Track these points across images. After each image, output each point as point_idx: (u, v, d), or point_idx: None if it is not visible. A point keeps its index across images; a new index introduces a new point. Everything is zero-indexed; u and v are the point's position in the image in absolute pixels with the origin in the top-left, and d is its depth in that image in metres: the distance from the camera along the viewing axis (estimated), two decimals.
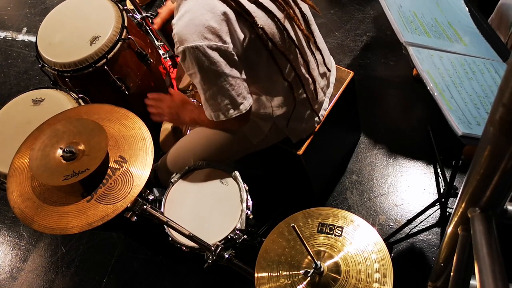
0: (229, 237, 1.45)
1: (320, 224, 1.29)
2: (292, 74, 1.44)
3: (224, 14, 1.20)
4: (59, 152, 1.31)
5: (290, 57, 1.41)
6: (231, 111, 1.34)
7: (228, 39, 1.22)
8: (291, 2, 1.40)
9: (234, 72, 1.28)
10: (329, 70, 1.68)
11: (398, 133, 2.29)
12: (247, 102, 1.36)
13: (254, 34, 1.28)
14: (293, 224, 1.12)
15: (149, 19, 2.24)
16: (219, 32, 1.21)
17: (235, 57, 1.26)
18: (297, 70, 1.45)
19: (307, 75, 1.51)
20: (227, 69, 1.25)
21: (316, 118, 1.67)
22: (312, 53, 1.52)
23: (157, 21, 1.71)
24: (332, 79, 1.73)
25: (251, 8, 1.26)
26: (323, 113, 1.70)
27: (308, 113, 1.61)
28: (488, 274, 0.62)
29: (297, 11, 1.43)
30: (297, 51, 1.43)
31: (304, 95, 1.53)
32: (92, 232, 2.33)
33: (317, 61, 1.57)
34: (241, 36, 1.25)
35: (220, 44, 1.21)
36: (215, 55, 1.22)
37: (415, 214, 1.97)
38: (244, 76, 1.33)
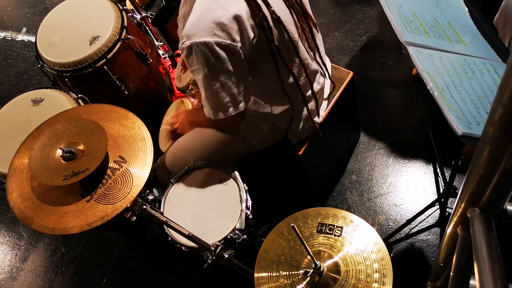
0: (229, 237, 1.45)
1: (319, 224, 1.29)
2: (291, 79, 1.44)
3: (237, 12, 1.19)
4: (59, 152, 1.31)
5: (291, 63, 1.41)
6: (231, 109, 1.34)
7: (237, 37, 1.21)
8: (301, 13, 1.41)
9: (238, 71, 1.28)
10: (328, 72, 1.69)
11: (398, 133, 2.29)
12: (246, 100, 1.36)
13: (263, 34, 1.27)
14: (292, 224, 1.12)
15: (149, 19, 2.24)
16: (230, 30, 1.19)
17: (242, 56, 1.25)
18: (296, 74, 1.45)
19: (305, 80, 1.51)
20: (232, 67, 1.25)
21: (315, 119, 1.67)
22: (314, 59, 1.53)
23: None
24: (328, 81, 1.74)
25: (272, 24, 1.27)
26: (321, 113, 1.70)
27: (307, 115, 1.61)
28: (487, 274, 0.62)
29: (306, 24, 1.44)
30: (299, 58, 1.43)
31: (302, 98, 1.53)
32: (91, 232, 2.33)
33: (320, 68, 1.58)
34: (251, 35, 1.24)
35: (229, 42, 1.20)
36: (222, 52, 1.21)
37: (414, 214, 1.97)
38: (247, 75, 1.33)
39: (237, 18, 1.19)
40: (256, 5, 1.22)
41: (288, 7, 1.35)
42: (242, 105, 1.35)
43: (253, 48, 1.26)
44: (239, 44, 1.22)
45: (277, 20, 1.28)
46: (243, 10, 1.20)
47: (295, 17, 1.37)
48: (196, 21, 1.19)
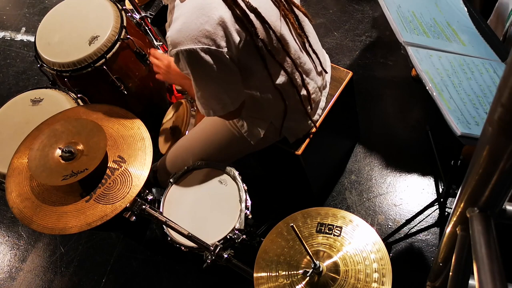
0: (228, 237, 1.45)
1: (319, 224, 1.29)
2: (284, 76, 1.44)
3: (220, 17, 1.19)
4: (58, 152, 1.31)
5: (282, 60, 1.41)
6: (219, 111, 1.38)
7: (223, 43, 1.21)
8: (284, 2, 1.40)
9: (227, 75, 1.29)
10: (325, 71, 1.67)
11: (397, 133, 2.29)
12: (235, 102, 1.38)
13: (249, 37, 1.27)
14: (292, 224, 1.12)
15: (148, 19, 2.23)
16: (214, 36, 1.20)
17: (229, 60, 1.25)
18: (288, 71, 1.45)
19: (299, 77, 1.50)
20: (220, 72, 1.25)
21: (313, 117, 1.67)
22: (308, 54, 1.52)
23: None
24: (328, 78, 1.73)
25: (253, 18, 1.26)
26: (320, 112, 1.70)
27: (303, 113, 1.61)
28: (486, 274, 0.62)
29: (290, 12, 1.42)
30: (288, 54, 1.42)
31: (298, 96, 1.53)
32: (91, 232, 2.32)
33: (314, 62, 1.56)
34: (237, 39, 1.24)
35: (214, 48, 1.20)
36: (208, 58, 1.22)
37: (414, 214, 1.97)
38: (237, 77, 1.33)
39: (221, 24, 1.20)
40: (233, 1, 1.22)
41: None
42: (230, 107, 1.38)
43: (240, 51, 1.27)
44: (225, 50, 1.22)
45: (254, 10, 1.27)
46: (227, 15, 1.20)
47: (276, 4, 1.35)
48: (180, 30, 1.20)
